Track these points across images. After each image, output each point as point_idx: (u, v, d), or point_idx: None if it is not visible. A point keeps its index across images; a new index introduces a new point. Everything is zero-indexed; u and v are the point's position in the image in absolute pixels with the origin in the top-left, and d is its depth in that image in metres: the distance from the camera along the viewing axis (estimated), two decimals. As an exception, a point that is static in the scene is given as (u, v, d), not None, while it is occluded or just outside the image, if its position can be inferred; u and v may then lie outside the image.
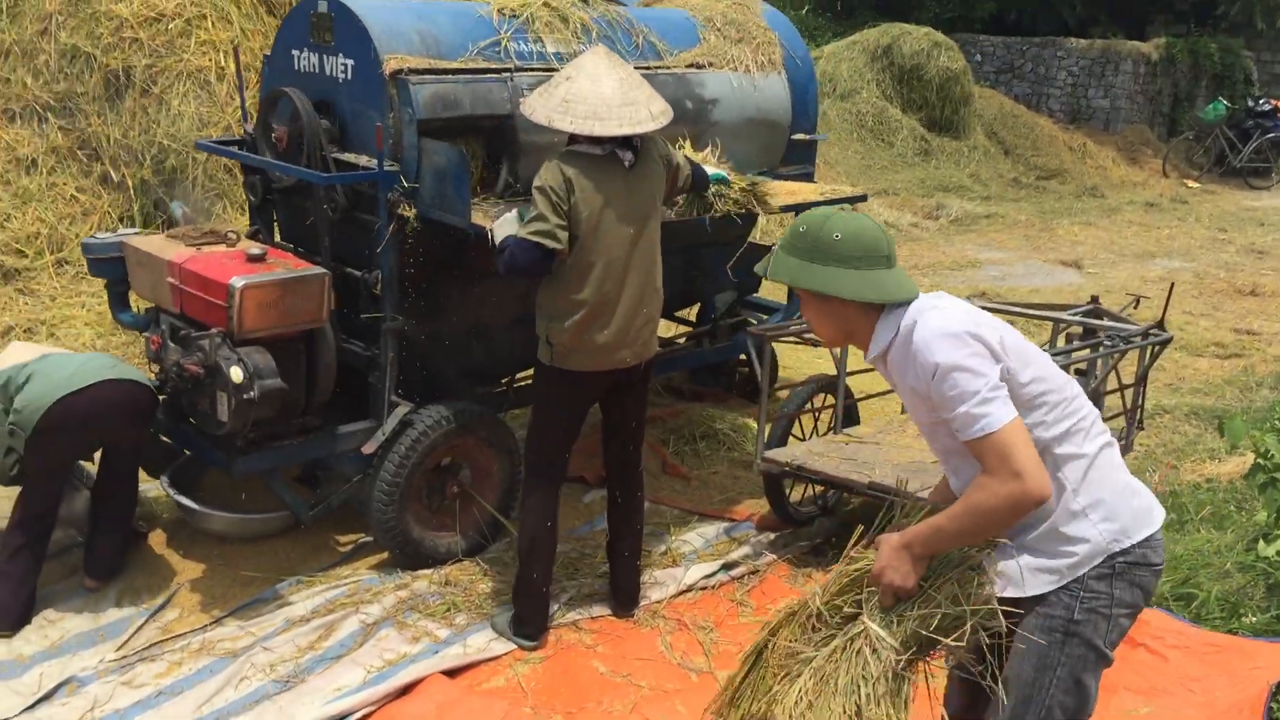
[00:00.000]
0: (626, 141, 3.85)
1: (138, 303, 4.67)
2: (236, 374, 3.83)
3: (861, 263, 2.48)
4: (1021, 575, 2.48)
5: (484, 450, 4.62)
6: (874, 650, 2.44)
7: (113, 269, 4.44)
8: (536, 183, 3.76)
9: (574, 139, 3.82)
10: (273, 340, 4.06)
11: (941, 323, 2.42)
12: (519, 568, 4.12)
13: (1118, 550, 2.47)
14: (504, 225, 3.88)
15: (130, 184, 7.17)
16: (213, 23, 7.36)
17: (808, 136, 5.67)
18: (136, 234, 4.54)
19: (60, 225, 7.01)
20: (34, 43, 7.29)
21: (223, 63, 7.23)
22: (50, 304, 6.62)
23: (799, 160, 5.71)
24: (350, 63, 4.38)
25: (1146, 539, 2.51)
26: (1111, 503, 2.50)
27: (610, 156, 3.83)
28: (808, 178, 5.76)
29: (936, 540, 2.44)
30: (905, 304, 2.51)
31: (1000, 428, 2.32)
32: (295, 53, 4.62)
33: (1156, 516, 2.57)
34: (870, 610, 2.48)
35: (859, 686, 2.41)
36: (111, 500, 4.20)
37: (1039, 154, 15.85)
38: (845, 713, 2.38)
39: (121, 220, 7.14)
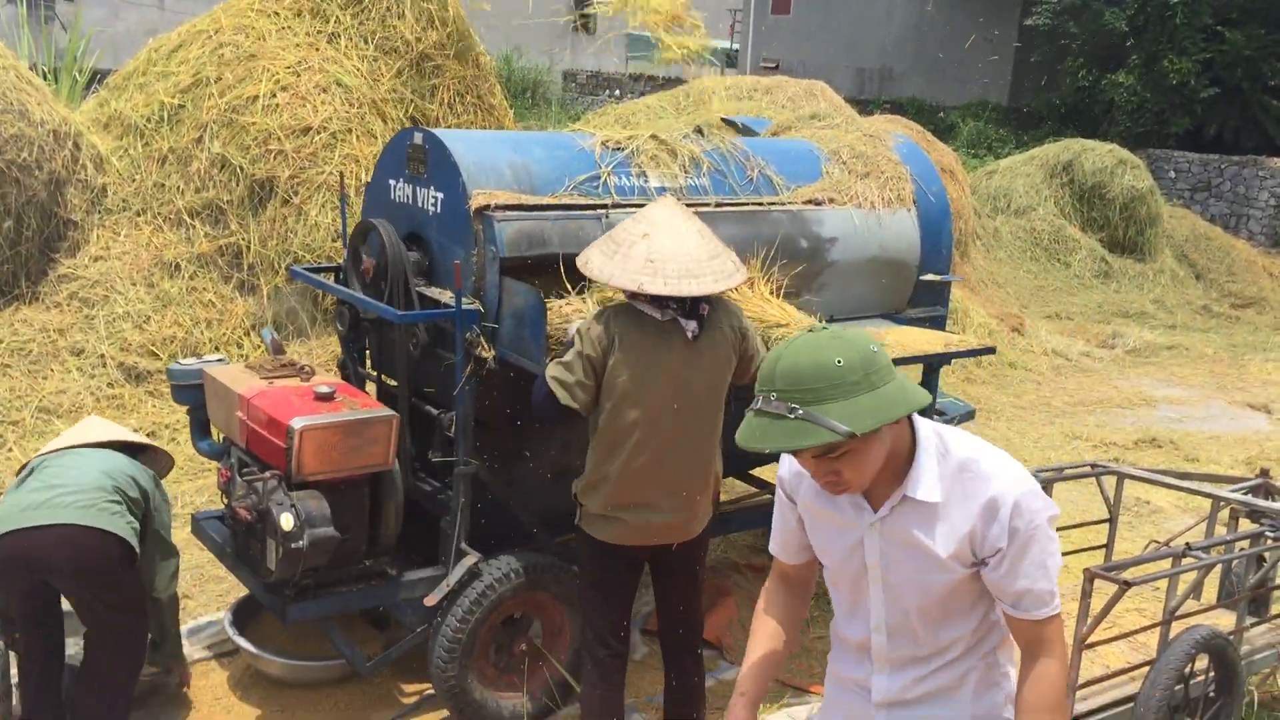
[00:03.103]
0: (694, 309, 3.51)
1: (219, 431, 4.59)
2: (287, 521, 3.65)
3: (886, 371, 2.03)
4: None
5: (556, 606, 4.31)
6: None
7: (194, 396, 4.37)
8: (581, 327, 3.51)
9: (632, 294, 3.51)
10: (335, 483, 3.87)
11: (1017, 468, 2.15)
12: None
13: None
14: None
15: (265, 291, 7.26)
16: (357, 137, 7.47)
17: (939, 278, 5.24)
18: (220, 361, 4.47)
19: (195, 329, 7.13)
20: (189, 150, 7.53)
21: (363, 176, 7.29)
22: (176, 408, 6.67)
23: (929, 302, 5.28)
24: (440, 196, 4.24)
25: None
26: None
27: (671, 324, 3.50)
28: (939, 322, 5.32)
29: None
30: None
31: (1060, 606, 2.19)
32: (392, 182, 4.53)
33: None
34: None
35: None
36: (91, 675, 3.72)
37: (1234, 280, 14.79)
38: None
39: (254, 327, 7.22)
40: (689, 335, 3.50)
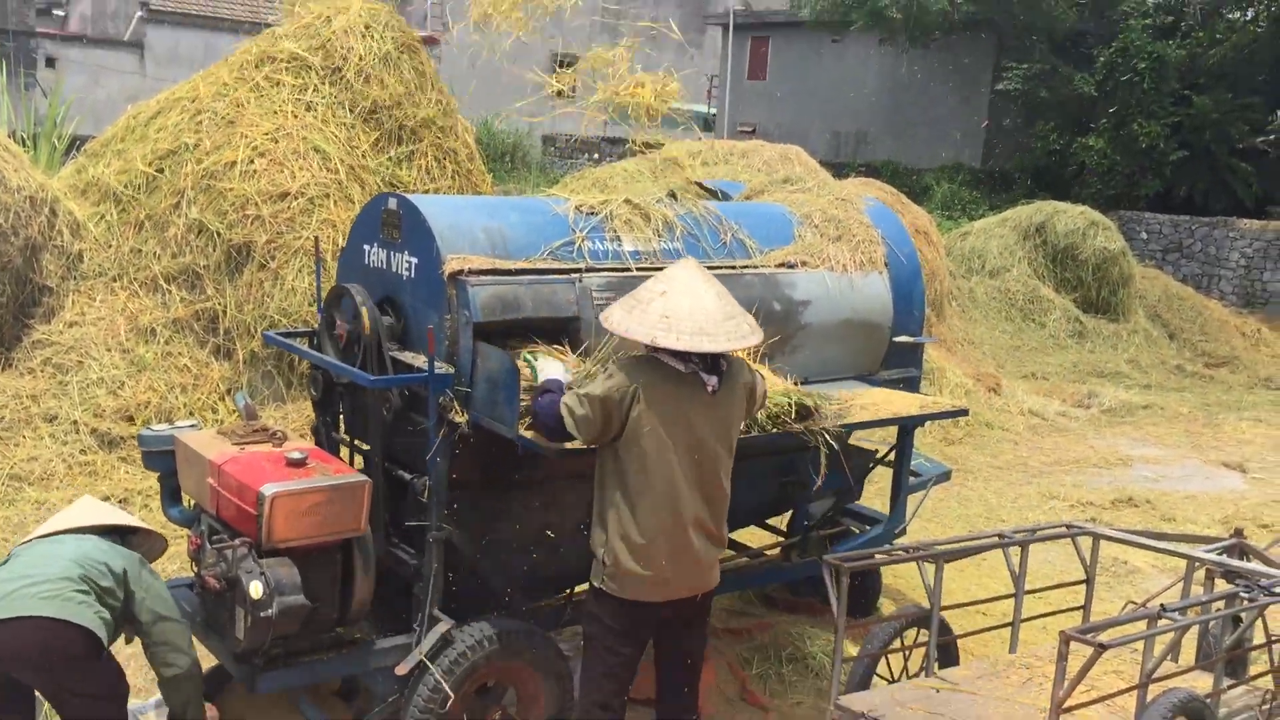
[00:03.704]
0: (714, 364, 3.59)
1: (190, 498, 4.55)
2: (256, 589, 3.61)
3: None
4: None
5: (531, 674, 4.26)
6: None
7: (165, 463, 4.34)
8: (606, 371, 3.59)
9: (654, 347, 3.57)
10: (306, 550, 3.84)
11: None
12: None
13: None
14: (551, 367, 3.88)
15: (240, 356, 7.24)
16: (335, 202, 7.50)
17: (912, 339, 5.28)
18: (193, 427, 4.44)
19: (170, 395, 7.09)
20: (166, 216, 7.55)
21: (340, 241, 7.31)
22: (149, 474, 6.62)
23: (904, 364, 5.32)
24: (415, 261, 4.25)
25: None
26: None
27: (693, 377, 3.57)
28: (913, 383, 5.35)
29: None
30: None
31: None
32: (366, 247, 4.54)
33: None
34: None
35: None
36: None
37: (1207, 339, 14.91)
38: None
39: (229, 392, 7.19)
40: (709, 390, 3.58)
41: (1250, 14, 20.92)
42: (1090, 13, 21.24)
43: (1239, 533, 5.04)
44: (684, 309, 3.52)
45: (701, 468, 3.61)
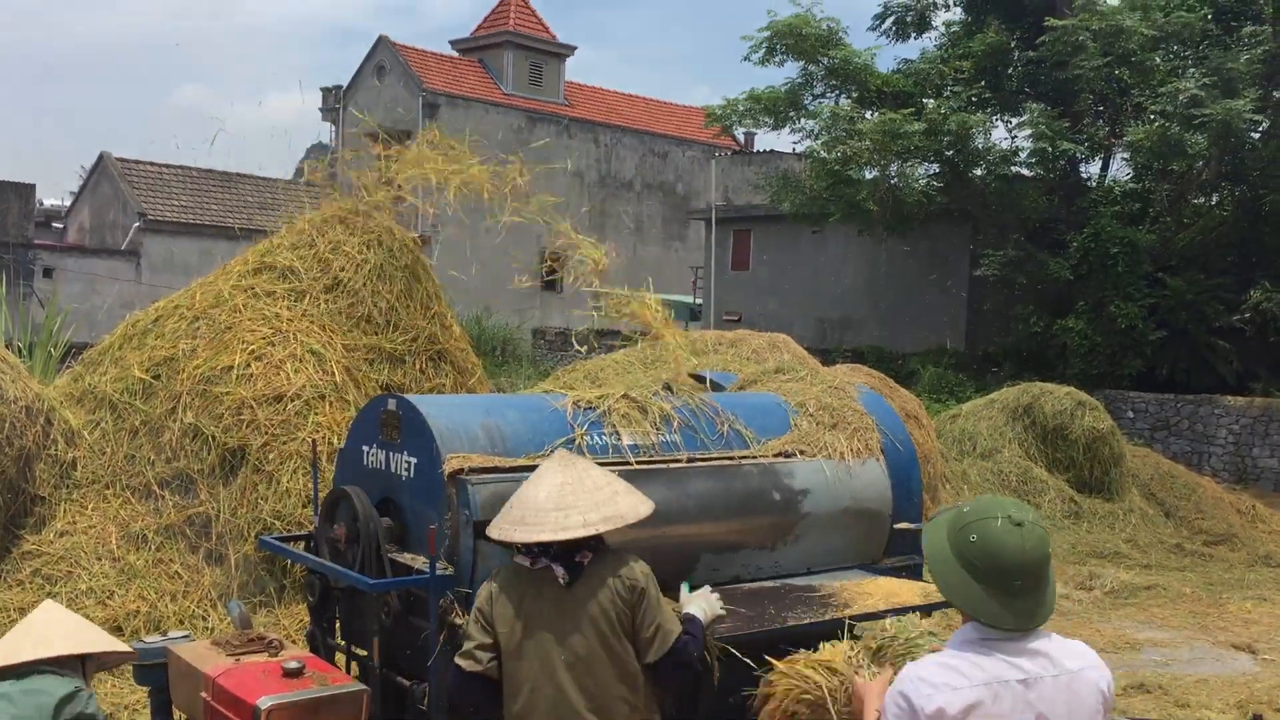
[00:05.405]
0: (567, 556, 3.47)
1: (181, 713, 4.41)
2: (247, 811, 3.47)
3: (977, 573, 2.54)
4: None
5: None
6: None
7: (157, 677, 4.23)
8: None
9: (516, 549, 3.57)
10: (301, 764, 3.70)
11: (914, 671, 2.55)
12: None
13: None
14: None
15: (233, 560, 7.14)
16: (330, 404, 7.54)
17: (912, 525, 5.25)
18: (186, 638, 4.35)
19: (160, 603, 6.96)
20: (161, 421, 7.57)
21: (336, 442, 7.32)
22: (135, 688, 6.44)
23: (904, 551, 5.28)
24: (414, 461, 4.26)
25: None
26: None
27: (544, 571, 3.48)
28: (915, 570, 5.29)
29: None
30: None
31: None
32: (365, 449, 4.56)
33: None
34: None
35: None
36: None
37: (1204, 517, 14.81)
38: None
39: (221, 598, 7.06)
40: (560, 581, 3.46)
41: (1215, 199, 21.64)
42: (1060, 201, 21.94)
43: (1257, 718, 4.93)
44: (519, 499, 3.54)
45: (575, 673, 3.40)
